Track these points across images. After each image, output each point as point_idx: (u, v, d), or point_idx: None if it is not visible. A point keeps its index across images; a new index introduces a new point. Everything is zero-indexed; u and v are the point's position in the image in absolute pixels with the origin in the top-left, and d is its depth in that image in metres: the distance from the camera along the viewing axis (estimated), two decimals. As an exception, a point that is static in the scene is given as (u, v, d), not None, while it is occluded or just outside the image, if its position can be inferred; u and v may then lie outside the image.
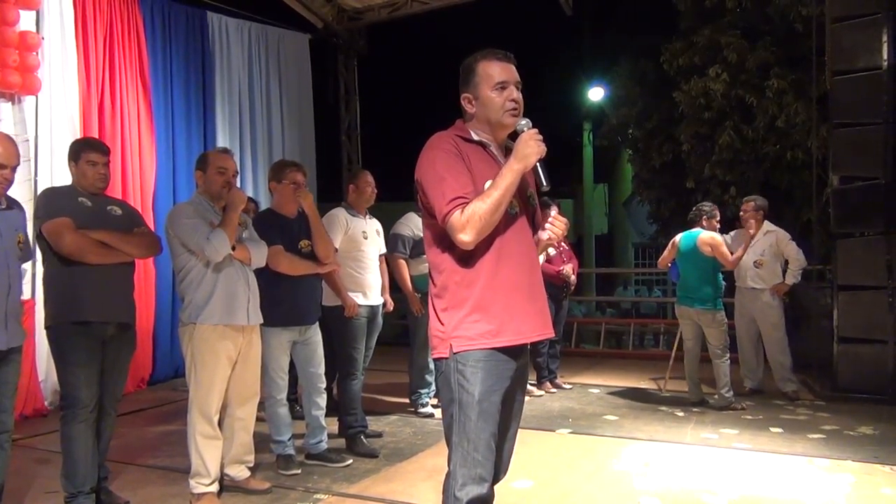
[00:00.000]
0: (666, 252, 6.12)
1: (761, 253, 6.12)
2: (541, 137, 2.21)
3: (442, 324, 2.26)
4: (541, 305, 2.34)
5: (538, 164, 2.22)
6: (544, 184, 2.28)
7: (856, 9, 6.07)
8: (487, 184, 2.20)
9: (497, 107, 2.29)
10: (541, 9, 11.74)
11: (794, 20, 8.53)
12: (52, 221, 3.30)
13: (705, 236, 5.74)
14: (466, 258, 2.22)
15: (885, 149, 5.95)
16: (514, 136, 2.31)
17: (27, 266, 5.70)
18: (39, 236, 3.40)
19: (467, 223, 2.12)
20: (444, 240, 2.24)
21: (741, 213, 6.27)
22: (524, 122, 2.28)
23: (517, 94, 2.31)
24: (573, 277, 6.48)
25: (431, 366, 5.50)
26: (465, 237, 2.13)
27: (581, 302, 13.92)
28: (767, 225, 6.20)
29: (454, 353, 2.21)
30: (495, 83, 2.28)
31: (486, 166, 2.28)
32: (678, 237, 5.99)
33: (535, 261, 2.37)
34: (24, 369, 5.50)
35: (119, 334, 3.51)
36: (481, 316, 2.20)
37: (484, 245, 2.19)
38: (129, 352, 3.65)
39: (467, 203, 2.13)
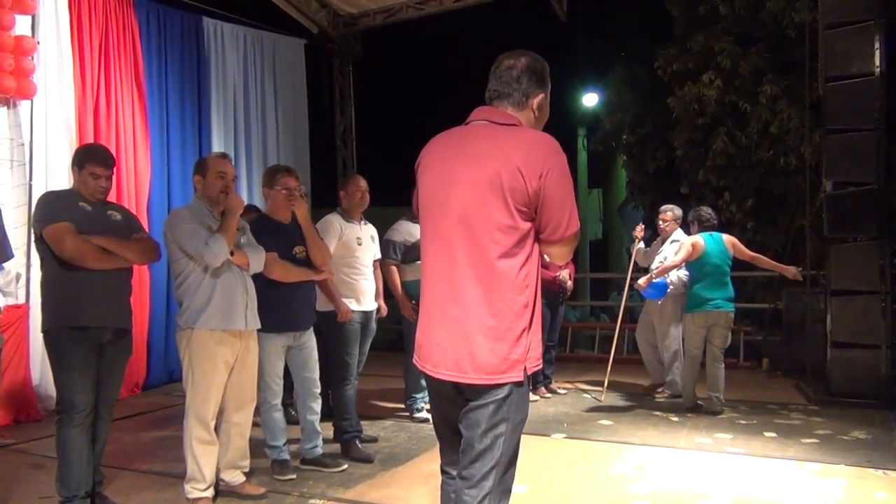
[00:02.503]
0: (685, 255, 5.77)
1: (662, 259, 6.29)
2: None
3: (518, 345, 2.08)
4: None
5: None
6: None
7: (848, 15, 6.11)
8: None
9: (544, 122, 2.31)
10: (535, 15, 11.79)
11: (787, 27, 8.58)
12: (53, 226, 3.30)
13: (727, 237, 5.90)
14: (537, 275, 2.16)
15: (878, 155, 5.99)
16: None
17: (21, 271, 5.75)
18: (39, 240, 3.40)
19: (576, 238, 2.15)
20: (530, 253, 2.11)
21: (659, 223, 6.46)
22: None
23: None
24: (570, 283, 6.50)
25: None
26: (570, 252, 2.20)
27: (575, 307, 13.94)
28: (677, 234, 6.35)
29: (528, 377, 2.13)
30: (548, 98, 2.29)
31: None
32: (699, 239, 5.79)
33: None
34: (18, 374, 5.52)
35: (115, 339, 3.51)
36: (539, 335, 2.19)
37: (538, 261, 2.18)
38: (124, 357, 3.66)
39: None
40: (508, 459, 2.13)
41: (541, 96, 2.23)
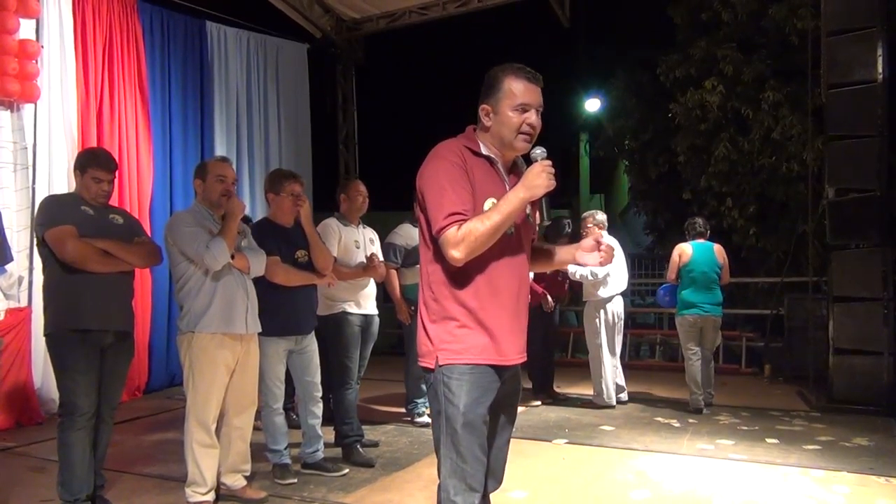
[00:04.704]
0: (674, 265, 6.20)
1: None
2: (553, 171, 2.17)
3: (429, 335, 2.25)
4: (522, 326, 2.34)
5: (544, 197, 2.21)
6: (544, 219, 2.28)
7: (851, 22, 6.12)
8: (489, 202, 2.18)
9: (513, 128, 2.22)
10: (538, 20, 11.80)
11: (789, 33, 8.57)
12: (55, 229, 3.31)
13: (717, 246, 6.18)
14: (459, 272, 2.20)
15: (880, 161, 5.99)
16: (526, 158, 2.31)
17: (24, 274, 5.76)
18: (41, 243, 3.40)
19: (461, 241, 2.09)
20: (438, 251, 2.21)
21: (583, 230, 6.44)
22: (540, 150, 2.22)
23: (536, 120, 2.23)
24: (550, 301, 6.41)
25: (427, 375, 5.48)
26: (457, 254, 2.11)
27: (577, 311, 13.92)
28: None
29: (440, 366, 2.21)
30: (518, 103, 2.21)
31: (490, 183, 2.25)
32: (687, 248, 6.14)
33: (524, 281, 2.36)
34: (20, 377, 5.53)
35: (118, 342, 3.52)
36: (468, 333, 2.20)
37: (477, 262, 2.17)
38: (126, 360, 3.66)
39: (465, 220, 2.11)
40: (453, 452, 2.17)
41: (483, 107, 2.28)
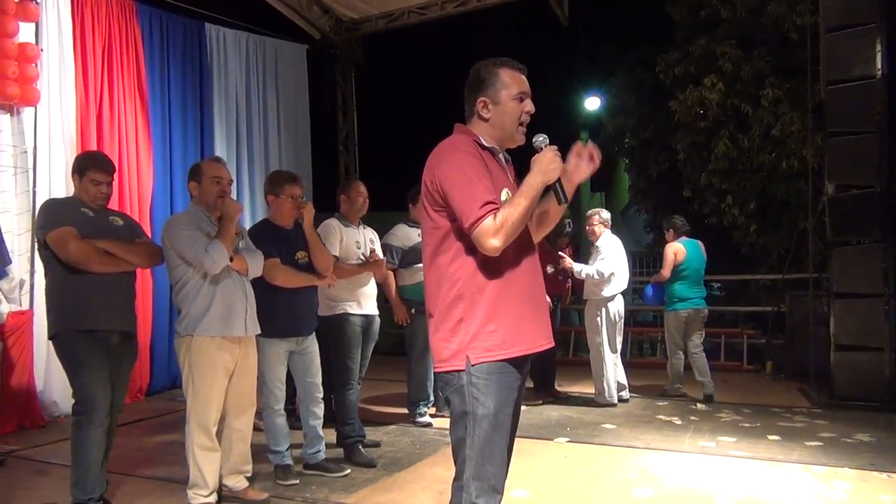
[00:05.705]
0: (670, 263, 6.46)
1: (587, 263, 6.41)
2: (561, 155, 2.24)
3: (455, 335, 2.21)
4: (545, 314, 2.37)
5: (558, 181, 2.25)
6: (564, 200, 2.30)
7: (850, 18, 6.11)
8: (504, 192, 2.21)
9: (515, 117, 2.31)
10: (537, 20, 11.79)
11: (788, 30, 8.57)
12: (57, 230, 3.32)
13: (700, 243, 6.52)
14: (483, 267, 2.20)
15: (880, 157, 5.99)
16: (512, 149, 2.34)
17: (25, 277, 5.76)
18: (43, 246, 3.41)
19: (500, 228, 2.10)
20: (461, 247, 2.21)
21: (588, 227, 6.46)
22: (543, 137, 2.30)
23: (531, 107, 2.33)
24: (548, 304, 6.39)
25: (429, 375, 5.49)
26: (497, 243, 2.11)
27: (580, 310, 13.91)
28: (602, 238, 6.37)
29: (472, 366, 2.18)
30: (517, 93, 2.30)
31: (500, 174, 2.29)
32: (679, 245, 6.48)
33: (539, 269, 2.40)
34: (22, 380, 5.53)
35: (121, 343, 3.53)
36: (497, 326, 2.19)
37: (503, 253, 2.17)
38: (130, 361, 3.67)
39: (498, 209, 2.12)
40: (478, 453, 2.16)
41: (480, 100, 2.31)
